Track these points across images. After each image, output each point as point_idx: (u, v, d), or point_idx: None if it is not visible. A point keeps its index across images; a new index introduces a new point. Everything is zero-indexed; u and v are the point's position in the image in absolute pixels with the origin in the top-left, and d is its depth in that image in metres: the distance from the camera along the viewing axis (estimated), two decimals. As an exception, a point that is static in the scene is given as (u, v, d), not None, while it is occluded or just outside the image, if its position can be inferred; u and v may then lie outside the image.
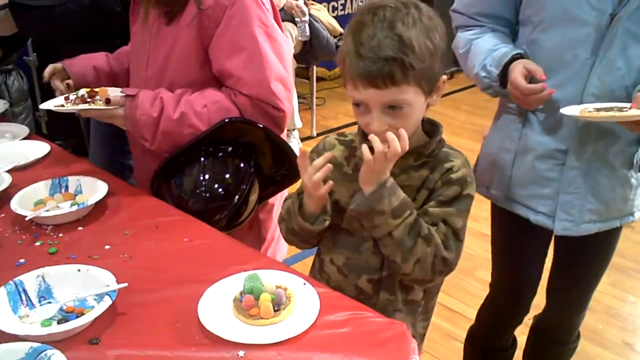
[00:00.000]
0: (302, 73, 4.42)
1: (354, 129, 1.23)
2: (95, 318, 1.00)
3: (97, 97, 1.48)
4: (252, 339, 0.97)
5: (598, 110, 1.26)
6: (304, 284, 1.11)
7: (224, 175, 1.49)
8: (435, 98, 1.12)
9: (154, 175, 1.51)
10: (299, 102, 4.14)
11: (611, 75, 1.29)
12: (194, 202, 1.45)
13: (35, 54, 3.21)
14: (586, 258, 1.58)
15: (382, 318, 1.04)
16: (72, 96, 1.52)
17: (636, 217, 1.49)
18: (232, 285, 1.10)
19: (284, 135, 1.56)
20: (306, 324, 1.00)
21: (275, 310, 1.03)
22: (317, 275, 1.28)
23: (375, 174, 1.08)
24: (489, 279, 2.64)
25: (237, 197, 1.47)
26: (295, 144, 4.03)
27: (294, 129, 4.03)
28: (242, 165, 1.50)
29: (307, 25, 3.83)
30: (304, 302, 1.06)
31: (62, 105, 1.51)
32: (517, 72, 1.32)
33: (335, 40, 3.96)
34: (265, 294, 1.05)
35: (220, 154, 1.48)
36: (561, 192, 1.41)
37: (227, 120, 1.43)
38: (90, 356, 0.96)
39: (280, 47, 1.48)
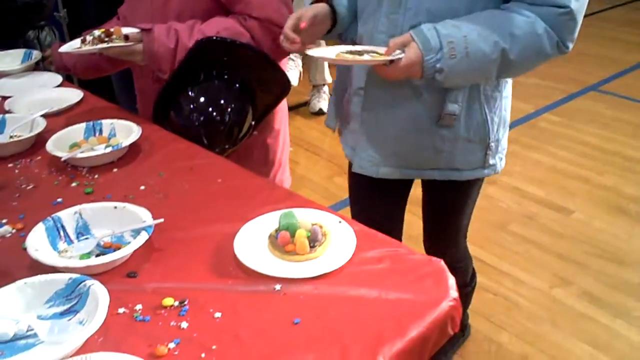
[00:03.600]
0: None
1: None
2: (133, 252, 1.01)
3: (114, 37, 1.49)
4: (288, 273, 0.97)
5: (353, 53, 1.27)
6: (339, 222, 1.09)
7: (217, 99, 1.52)
8: None
9: (154, 108, 1.55)
10: (328, 58, 4.08)
11: (399, 14, 1.29)
12: (194, 128, 1.49)
13: (65, 9, 3.20)
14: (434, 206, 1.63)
15: (419, 255, 1.02)
16: (88, 37, 1.52)
17: (467, 175, 1.44)
18: (267, 222, 1.10)
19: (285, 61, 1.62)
20: (342, 260, 1.00)
21: (311, 247, 1.02)
22: None
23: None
24: (522, 232, 2.65)
25: (228, 118, 1.51)
26: (326, 99, 3.99)
27: (324, 84, 3.98)
28: (232, 86, 1.53)
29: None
30: (339, 240, 1.05)
31: (80, 48, 1.52)
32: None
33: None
34: (301, 231, 1.04)
35: (210, 78, 1.52)
36: (360, 131, 1.44)
37: (203, 39, 1.45)
38: (128, 288, 0.96)
39: None
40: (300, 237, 1.02)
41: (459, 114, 1.34)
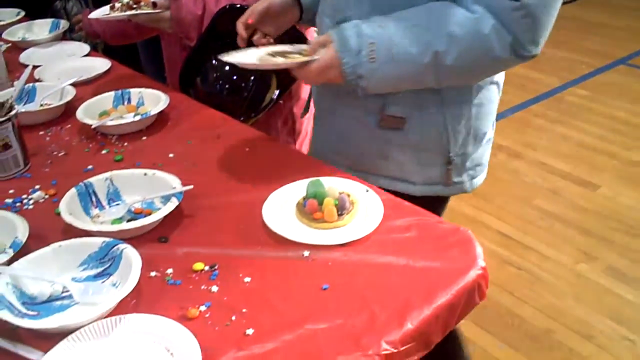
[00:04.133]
0: None
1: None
2: (163, 218, 1.02)
3: (142, 3, 1.50)
4: (316, 240, 0.98)
5: (279, 53, 1.16)
6: (367, 191, 1.10)
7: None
8: None
9: (180, 76, 1.56)
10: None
11: None
12: (218, 96, 1.50)
13: (90, -21, 3.21)
14: None
15: (447, 224, 1.02)
16: (117, 4, 1.54)
17: (422, 190, 1.25)
18: (294, 191, 1.10)
19: None
20: (370, 227, 1.00)
21: (338, 215, 1.03)
22: None
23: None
24: (546, 207, 2.63)
25: (252, 85, 1.51)
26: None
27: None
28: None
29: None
30: (367, 208, 1.06)
31: (108, 14, 1.54)
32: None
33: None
34: (329, 199, 1.04)
35: (235, 46, 1.49)
36: (316, 119, 1.37)
37: (227, 6, 1.45)
38: (160, 253, 0.98)
39: None
40: (328, 204, 1.03)
41: (407, 117, 1.18)
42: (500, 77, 1.27)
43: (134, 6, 1.50)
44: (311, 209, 1.04)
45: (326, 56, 1.08)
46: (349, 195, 1.07)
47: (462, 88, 1.19)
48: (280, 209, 1.06)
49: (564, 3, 1.06)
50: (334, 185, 1.09)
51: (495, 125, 1.34)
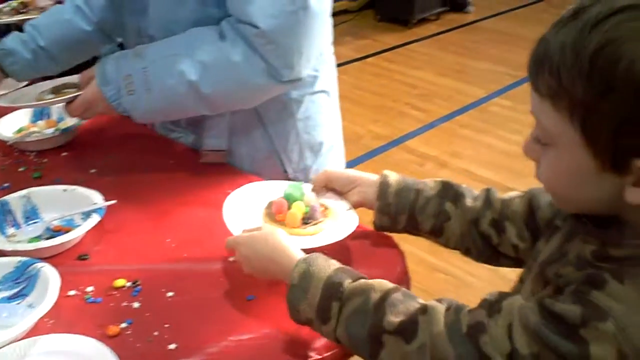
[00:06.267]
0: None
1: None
2: (85, 234, 1.00)
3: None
4: None
5: (55, 88, 1.24)
6: (348, 209, 1.01)
7: None
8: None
9: None
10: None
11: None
12: None
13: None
14: None
15: (370, 231, 1.03)
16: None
17: None
18: (275, 189, 1.03)
19: None
20: (324, 242, 0.93)
21: (305, 223, 0.96)
22: None
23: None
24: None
25: None
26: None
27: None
28: None
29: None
30: (338, 226, 0.97)
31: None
32: None
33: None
34: (299, 204, 0.98)
35: None
36: None
37: None
38: (80, 271, 0.96)
39: None
40: (294, 209, 0.97)
41: (230, 148, 1.19)
42: (330, 84, 1.25)
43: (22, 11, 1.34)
44: (277, 210, 0.98)
45: (89, 91, 1.09)
46: (326, 209, 1.00)
47: (280, 105, 1.17)
48: (249, 207, 1.00)
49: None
50: (314, 195, 1.02)
51: (339, 132, 1.31)
